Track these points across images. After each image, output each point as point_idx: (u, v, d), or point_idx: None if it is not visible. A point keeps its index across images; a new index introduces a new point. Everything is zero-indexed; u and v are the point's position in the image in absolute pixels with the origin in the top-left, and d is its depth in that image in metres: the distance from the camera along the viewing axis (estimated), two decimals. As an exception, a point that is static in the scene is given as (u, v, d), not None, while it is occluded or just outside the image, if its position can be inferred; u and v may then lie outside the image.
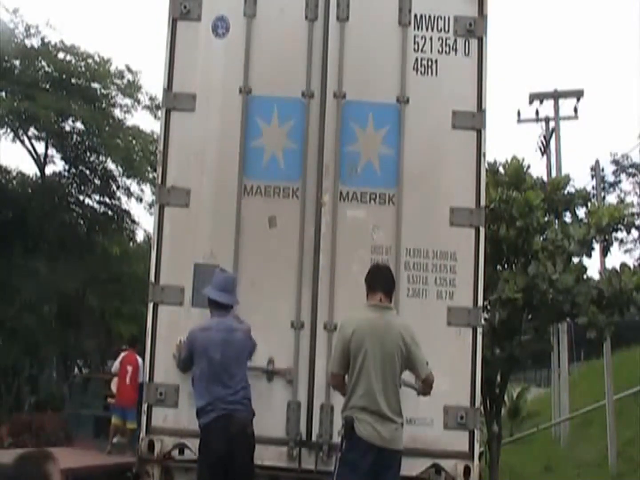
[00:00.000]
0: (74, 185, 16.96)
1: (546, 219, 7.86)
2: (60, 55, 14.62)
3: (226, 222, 5.09)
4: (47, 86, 14.65)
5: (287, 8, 5.30)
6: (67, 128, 15.53)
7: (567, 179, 8.65)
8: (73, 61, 14.66)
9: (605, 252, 9.06)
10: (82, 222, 17.63)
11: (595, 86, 69.47)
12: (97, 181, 16.83)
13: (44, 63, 14.58)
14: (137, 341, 10.96)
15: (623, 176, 28.62)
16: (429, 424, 4.86)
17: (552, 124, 19.30)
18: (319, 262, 5.05)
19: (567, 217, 8.42)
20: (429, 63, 5.21)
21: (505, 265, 7.98)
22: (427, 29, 5.24)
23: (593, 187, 14.59)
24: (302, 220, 5.08)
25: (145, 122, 35.48)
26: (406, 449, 4.45)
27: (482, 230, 5.09)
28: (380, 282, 4.46)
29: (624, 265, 7.90)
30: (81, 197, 17.30)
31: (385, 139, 5.17)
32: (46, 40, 14.54)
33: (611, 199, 26.55)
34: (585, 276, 7.71)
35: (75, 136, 15.92)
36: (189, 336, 4.75)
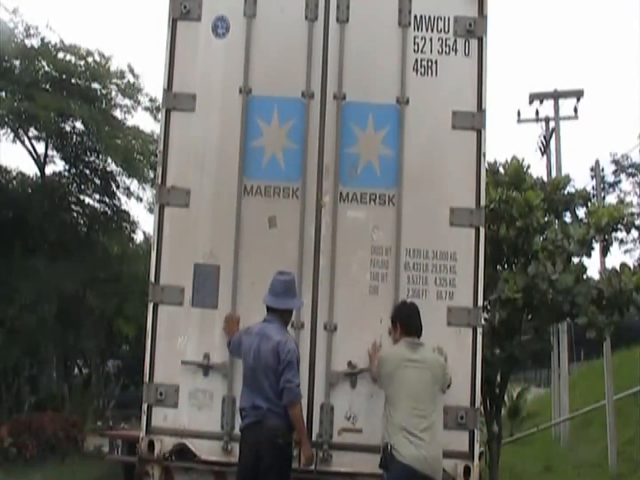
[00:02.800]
0: (74, 185, 16.93)
1: (546, 219, 7.85)
2: (60, 55, 14.60)
3: (226, 222, 5.09)
4: (47, 86, 14.61)
5: (287, 8, 5.30)
6: (67, 128, 15.50)
7: (567, 179, 8.65)
8: (73, 61, 14.63)
9: (605, 252, 9.04)
10: (82, 222, 17.61)
11: (595, 86, 69.52)
12: (97, 181, 16.81)
13: (44, 63, 14.54)
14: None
15: (623, 176, 28.67)
16: (429, 424, 4.86)
17: (552, 124, 19.31)
18: (319, 263, 5.06)
19: (567, 217, 8.43)
20: (429, 64, 5.22)
21: (505, 265, 7.97)
22: (427, 29, 5.24)
23: (593, 187, 14.60)
24: (302, 220, 5.08)
25: (146, 123, 35.55)
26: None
27: (482, 230, 5.09)
28: (415, 322, 4.76)
29: (624, 265, 7.89)
30: (81, 197, 17.29)
31: (385, 139, 5.18)
32: (46, 40, 14.54)
33: (611, 199, 26.60)
34: (585, 276, 7.70)
35: (75, 136, 15.88)
36: (240, 333, 4.79)
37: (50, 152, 16.34)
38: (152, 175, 14.97)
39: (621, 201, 9.66)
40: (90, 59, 14.76)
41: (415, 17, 5.25)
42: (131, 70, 15.28)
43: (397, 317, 4.80)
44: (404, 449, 4.42)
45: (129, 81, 15.21)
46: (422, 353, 4.68)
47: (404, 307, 4.83)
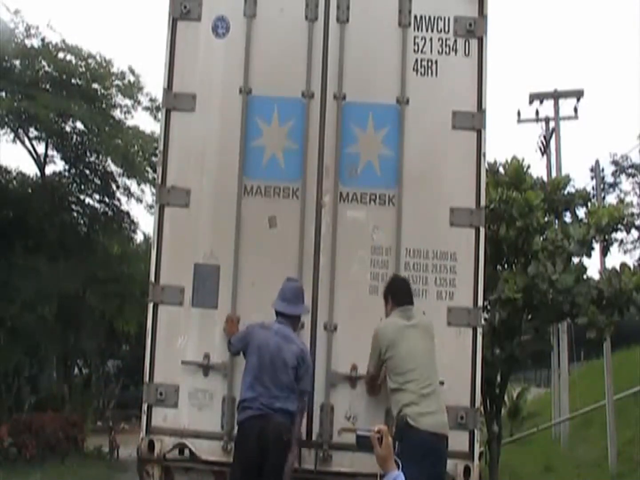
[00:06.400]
0: (74, 185, 16.94)
1: (546, 219, 7.86)
2: (61, 55, 14.60)
3: (226, 222, 5.09)
4: (47, 86, 14.62)
5: (287, 8, 5.30)
6: (67, 128, 15.50)
7: (567, 179, 8.65)
8: (73, 61, 14.63)
9: (605, 252, 9.06)
10: (82, 222, 17.61)
11: (595, 86, 69.53)
12: (97, 181, 16.81)
13: (44, 63, 14.54)
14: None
15: (623, 177, 28.66)
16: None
17: (552, 124, 19.31)
18: (319, 263, 5.05)
19: (567, 217, 8.43)
20: (429, 64, 5.22)
21: (505, 265, 7.98)
22: (427, 29, 5.24)
23: (593, 187, 14.59)
24: (302, 220, 5.08)
25: (146, 123, 35.59)
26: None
27: (482, 230, 5.09)
28: (406, 294, 4.83)
29: (624, 265, 7.90)
30: (81, 197, 17.29)
31: (385, 139, 5.17)
32: (47, 40, 14.54)
33: (611, 199, 26.60)
34: (585, 276, 7.70)
35: (75, 136, 15.88)
36: (248, 327, 4.81)
37: (50, 152, 16.35)
38: (152, 175, 14.96)
39: (621, 201, 9.67)
40: (91, 61, 14.75)
41: (415, 17, 5.25)
42: (131, 71, 15.29)
43: (388, 292, 4.84)
44: (420, 417, 4.47)
45: (129, 81, 15.20)
46: (416, 318, 4.76)
47: (394, 281, 4.88)
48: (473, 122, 5.15)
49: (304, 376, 4.69)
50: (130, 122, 15.81)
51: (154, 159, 14.24)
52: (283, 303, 4.76)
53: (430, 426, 4.47)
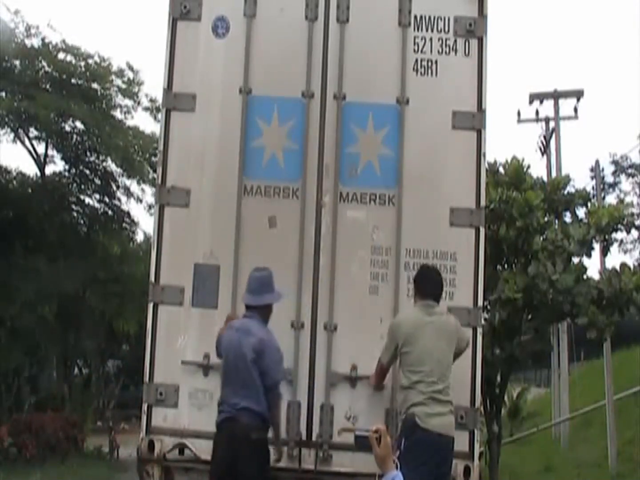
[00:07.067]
0: (74, 185, 16.94)
1: (546, 219, 7.85)
2: (61, 55, 14.60)
3: (226, 222, 5.09)
4: (47, 86, 14.62)
5: (287, 8, 5.30)
6: (67, 128, 15.51)
7: (567, 179, 8.64)
8: (73, 61, 14.63)
9: (605, 252, 9.05)
10: (82, 222, 17.62)
11: (595, 86, 69.52)
12: (97, 181, 16.81)
13: (44, 63, 14.55)
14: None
15: (622, 177, 28.67)
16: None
17: (552, 124, 19.32)
18: (319, 263, 5.05)
19: (567, 217, 8.42)
20: (429, 64, 5.21)
21: (505, 265, 7.97)
22: (427, 29, 5.24)
23: (593, 187, 14.60)
24: (302, 220, 5.08)
25: (146, 124, 35.58)
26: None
27: (482, 230, 5.09)
28: (429, 285, 4.80)
29: (624, 265, 7.89)
30: (81, 197, 17.29)
31: (385, 139, 5.17)
32: (47, 40, 14.54)
33: (611, 199, 26.61)
34: (585, 276, 7.69)
35: (75, 136, 15.89)
36: (219, 336, 4.77)
37: (50, 152, 16.36)
38: (152, 175, 14.96)
39: (621, 201, 9.67)
40: (90, 61, 14.76)
41: (415, 17, 5.25)
42: (130, 67, 15.28)
43: (415, 279, 4.85)
44: (429, 418, 4.47)
45: (128, 78, 15.19)
46: (436, 315, 4.72)
47: (422, 269, 4.87)
48: (473, 122, 5.14)
49: (267, 368, 4.50)
50: (130, 123, 15.83)
51: (154, 159, 14.24)
52: (248, 295, 4.69)
53: (437, 427, 4.48)
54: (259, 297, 4.67)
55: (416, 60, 5.22)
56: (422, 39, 5.24)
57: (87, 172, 16.70)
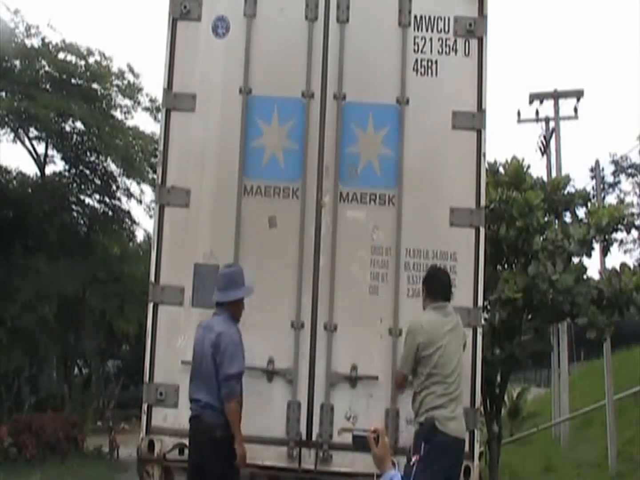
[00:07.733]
0: (74, 185, 16.94)
1: (546, 219, 7.84)
2: (61, 55, 14.60)
3: (226, 222, 5.09)
4: (47, 86, 14.62)
5: (287, 8, 5.30)
6: (67, 128, 15.51)
7: (567, 179, 8.63)
8: (73, 61, 14.63)
9: (605, 252, 9.05)
10: (82, 222, 17.62)
11: (595, 86, 69.53)
12: (97, 181, 16.81)
13: (44, 63, 14.54)
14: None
15: (622, 177, 28.68)
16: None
17: (552, 124, 19.31)
18: (319, 263, 5.05)
19: (567, 217, 8.42)
20: (429, 64, 5.22)
21: (505, 265, 7.97)
22: (427, 29, 5.24)
23: (593, 188, 14.59)
24: (302, 220, 5.08)
25: (146, 124, 35.61)
26: (407, 448, 4.49)
27: (482, 230, 5.09)
28: (439, 286, 4.81)
29: (624, 265, 7.88)
30: (81, 197, 17.29)
31: (385, 139, 5.17)
32: (47, 39, 14.54)
33: (611, 199, 26.61)
34: (585, 276, 7.68)
35: (75, 136, 15.89)
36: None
37: (50, 152, 16.36)
38: (152, 175, 14.96)
39: (621, 201, 9.67)
40: (91, 59, 14.75)
41: (415, 17, 5.25)
42: (131, 70, 15.28)
43: (424, 280, 4.86)
44: (447, 422, 4.53)
45: (129, 81, 15.20)
46: (451, 316, 4.75)
47: (431, 271, 4.88)
48: (473, 122, 5.15)
49: (220, 362, 4.51)
50: (130, 123, 15.83)
51: (153, 159, 14.23)
52: (216, 292, 4.72)
53: (454, 431, 4.55)
54: (224, 293, 4.69)
55: (416, 60, 5.22)
56: (422, 39, 5.24)
57: (87, 172, 16.70)
